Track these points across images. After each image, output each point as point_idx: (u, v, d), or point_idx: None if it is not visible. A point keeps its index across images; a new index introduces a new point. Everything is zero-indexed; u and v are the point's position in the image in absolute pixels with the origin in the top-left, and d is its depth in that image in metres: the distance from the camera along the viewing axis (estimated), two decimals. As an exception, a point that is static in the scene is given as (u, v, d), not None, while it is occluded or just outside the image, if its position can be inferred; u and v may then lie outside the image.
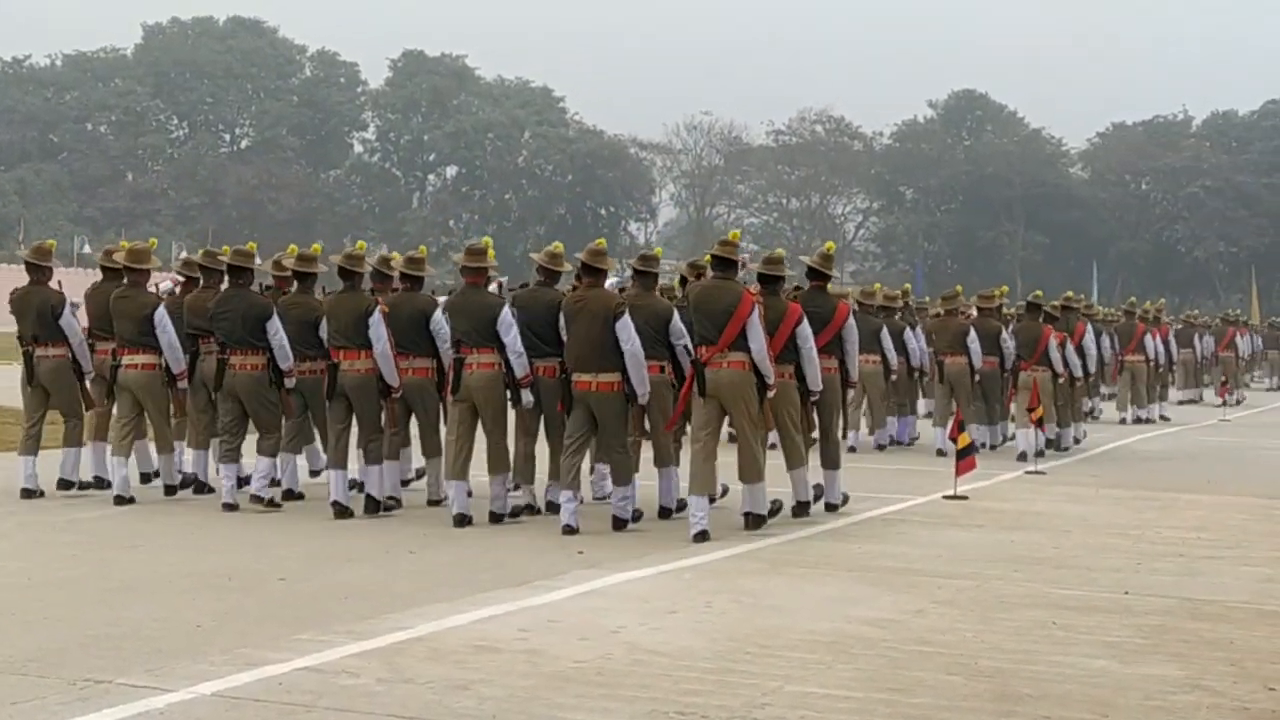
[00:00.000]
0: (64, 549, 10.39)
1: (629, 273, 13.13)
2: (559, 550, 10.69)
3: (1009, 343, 19.26)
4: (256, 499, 12.27)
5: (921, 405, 22.03)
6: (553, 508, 12.13)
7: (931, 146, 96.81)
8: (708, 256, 12.21)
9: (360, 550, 10.54)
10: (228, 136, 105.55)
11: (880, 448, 19.20)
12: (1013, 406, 19.35)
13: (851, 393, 14.29)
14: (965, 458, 14.16)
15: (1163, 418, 26.51)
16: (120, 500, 12.55)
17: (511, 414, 12.09)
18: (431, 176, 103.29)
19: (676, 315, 12.05)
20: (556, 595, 8.95)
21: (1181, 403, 30.95)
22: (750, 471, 11.60)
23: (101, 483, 13.32)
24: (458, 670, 7.09)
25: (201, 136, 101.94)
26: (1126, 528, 12.60)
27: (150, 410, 12.90)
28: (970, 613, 8.75)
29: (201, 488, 13.23)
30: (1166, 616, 8.80)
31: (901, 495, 14.30)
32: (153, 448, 13.46)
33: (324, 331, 12.53)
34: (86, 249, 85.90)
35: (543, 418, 12.26)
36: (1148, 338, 26.49)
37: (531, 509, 12.33)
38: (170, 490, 13.08)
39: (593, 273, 11.84)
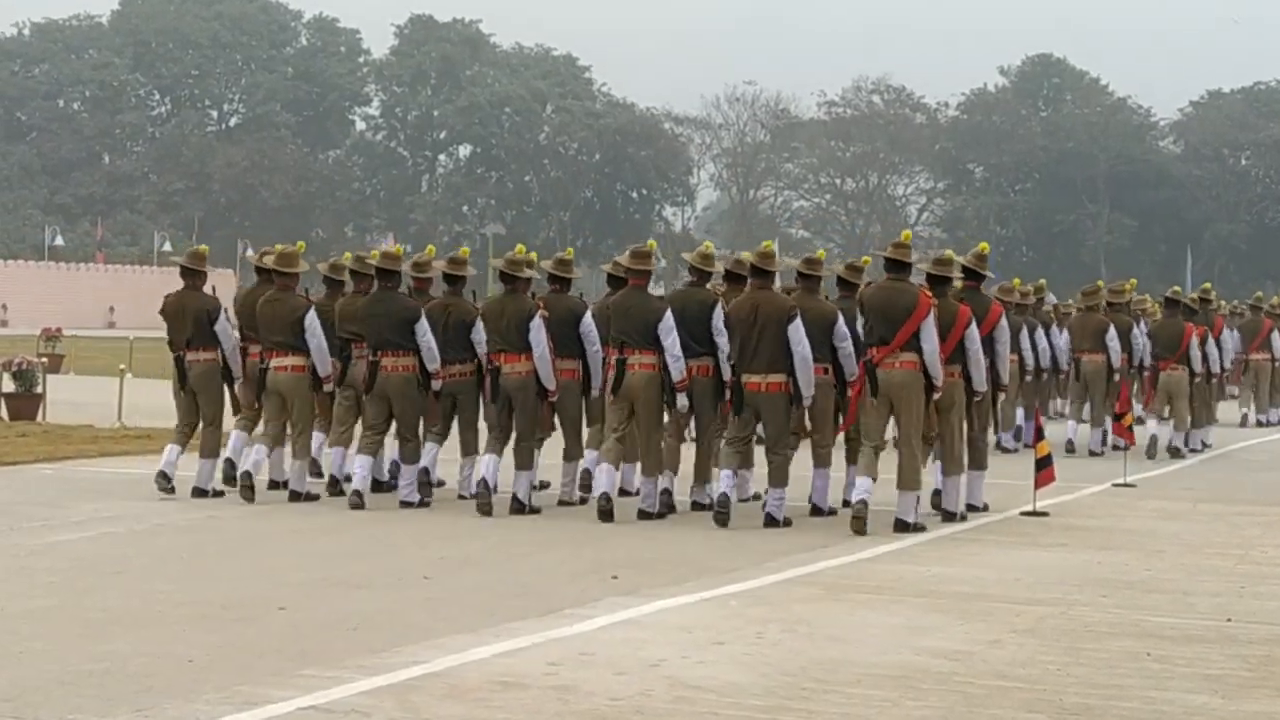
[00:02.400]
0: (41, 575, 10.48)
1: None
2: (591, 574, 10.73)
3: (1140, 339, 20.58)
4: (407, 504, 13.84)
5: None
6: (696, 506, 13.80)
7: (1003, 119, 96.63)
8: (865, 259, 15.54)
9: (371, 576, 10.60)
10: (215, 113, 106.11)
11: (1004, 450, 19.53)
12: (1144, 406, 20.94)
13: (1003, 395, 15.35)
14: (1044, 469, 14.15)
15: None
16: (247, 479, 13.95)
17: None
18: (442, 156, 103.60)
19: (841, 319, 13.60)
20: (589, 625, 8.98)
21: None
22: (908, 478, 12.88)
23: (230, 473, 14.44)
24: (480, 709, 7.12)
25: (186, 114, 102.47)
26: (1227, 547, 12.57)
27: (295, 412, 14.19)
28: (1053, 643, 8.75)
29: (336, 487, 14.47)
30: (1275, 646, 8.79)
31: (973, 512, 14.29)
32: (288, 453, 14.58)
33: (477, 335, 14.00)
34: (59, 240, 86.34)
35: (693, 418, 13.77)
36: (1275, 335, 26.73)
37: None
38: (295, 497, 14.19)
39: (762, 275, 13.37)
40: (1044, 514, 14.09)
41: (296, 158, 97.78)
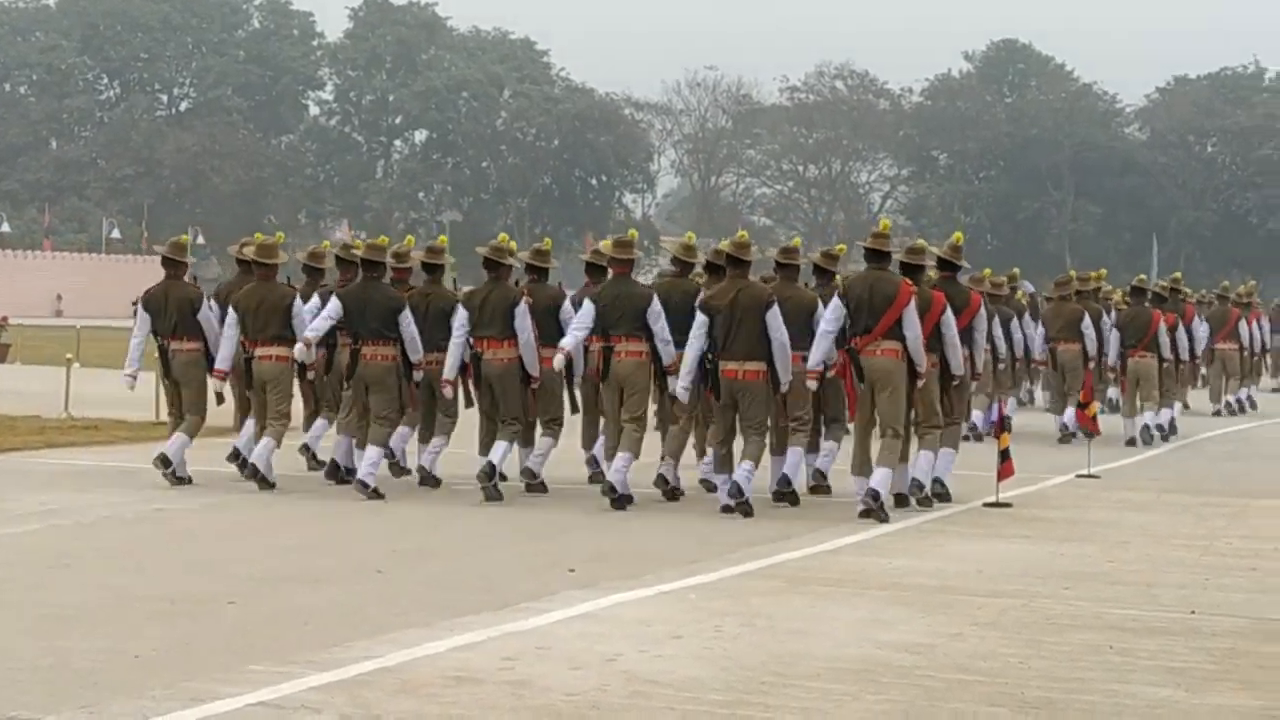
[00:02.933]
0: (-16, 569, 10.42)
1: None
2: (548, 568, 10.73)
3: (1109, 327, 21.13)
4: (364, 485, 13.99)
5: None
6: (661, 481, 14.10)
7: (968, 105, 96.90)
8: (840, 247, 15.92)
9: (323, 569, 10.58)
10: (165, 98, 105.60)
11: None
12: (1121, 393, 21.52)
13: (975, 384, 15.98)
14: (1005, 461, 14.21)
15: (1251, 402, 27.57)
16: (263, 482, 14.31)
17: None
18: (398, 142, 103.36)
19: (820, 306, 13.89)
20: (545, 619, 8.98)
21: (1276, 390, 31.45)
22: (888, 457, 13.32)
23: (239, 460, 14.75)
24: (433, 705, 7.11)
25: (135, 98, 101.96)
26: (1192, 538, 12.65)
27: (272, 399, 14.53)
28: (1015, 636, 8.79)
29: (336, 471, 14.82)
30: (1238, 638, 8.85)
31: (937, 503, 14.33)
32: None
33: (457, 323, 14.26)
34: (5, 227, 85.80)
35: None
36: (1242, 324, 27.23)
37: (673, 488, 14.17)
38: (263, 483, 14.36)
39: (739, 264, 13.68)
40: (1007, 505, 14.15)
41: (248, 143, 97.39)
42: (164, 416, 16.28)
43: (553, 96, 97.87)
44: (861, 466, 13.58)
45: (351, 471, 14.62)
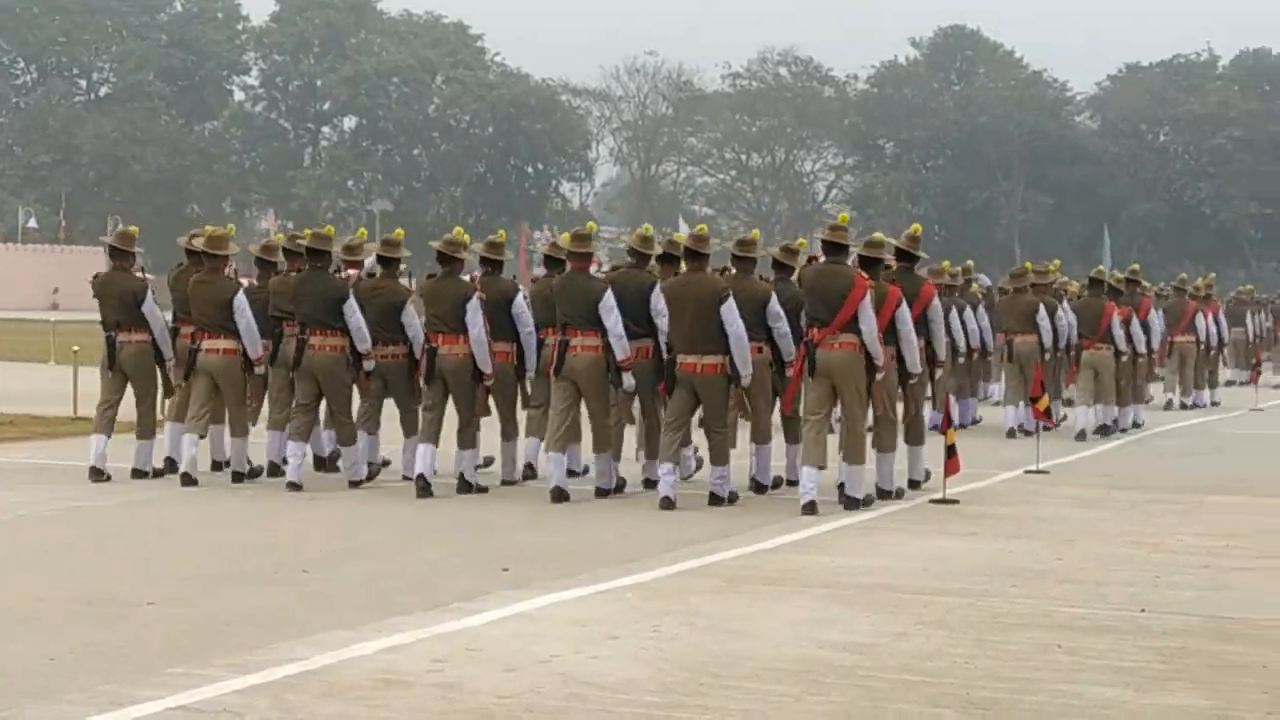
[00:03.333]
0: (-108, 571, 10.34)
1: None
2: (481, 566, 10.72)
3: (1064, 320, 21.51)
4: (355, 483, 14.56)
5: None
6: (649, 484, 14.46)
7: (915, 92, 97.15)
8: (801, 241, 16.34)
9: (248, 569, 10.54)
10: (84, 83, 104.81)
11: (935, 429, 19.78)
12: (1073, 386, 22.06)
13: (939, 372, 16.27)
14: (951, 457, 14.29)
15: (1213, 404, 27.87)
16: (187, 480, 14.52)
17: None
18: (326, 129, 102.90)
19: (775, 298, 14.25)
20: (478, 619, 8.97)
21: (1230, 383, 32.04)
22: (854, 453, 13.70)
23: (174, 465, 15.06)
24: (360, 708, 7.10)
25: (53, 83, 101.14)
26: (1142, 535, 12.73)
27: (227, 395, 14.90)
28: (961, 635, 8.83)
29: (275, 470, 15.03)
30: (1188, 637, 8.91)
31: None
32: (227, 433, 15.22)
33: (408, 317, 14.68)
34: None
35: (637, 398, 14.43)
36: (1199, 317, 27.66)
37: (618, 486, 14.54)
38: (238, 477, 14.87)
39: (696, 257, 14.09)
40: (953, 501, 14.23)
41: (171, 129, 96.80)
42: (84, 412, 16.27)
43: (487, 82, 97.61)
44: (809, 456, 13.65)
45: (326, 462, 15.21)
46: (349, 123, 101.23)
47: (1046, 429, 17.91)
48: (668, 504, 13.53)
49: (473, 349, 14.25)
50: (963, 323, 21.20)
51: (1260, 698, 7.61)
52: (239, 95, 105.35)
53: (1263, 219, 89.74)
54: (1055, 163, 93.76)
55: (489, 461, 15.41)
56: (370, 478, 14.86)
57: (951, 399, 21.06)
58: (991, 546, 12.00)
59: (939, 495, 14.36)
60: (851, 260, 14.04)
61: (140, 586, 9.83)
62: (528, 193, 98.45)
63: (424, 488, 14.07)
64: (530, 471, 15.26)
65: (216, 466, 15.52)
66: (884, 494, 14.25)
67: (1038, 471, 16.75)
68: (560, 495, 13.90)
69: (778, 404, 14.97)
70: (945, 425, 14.54)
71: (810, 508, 13.31)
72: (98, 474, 14.65)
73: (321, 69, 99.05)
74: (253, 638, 8.38)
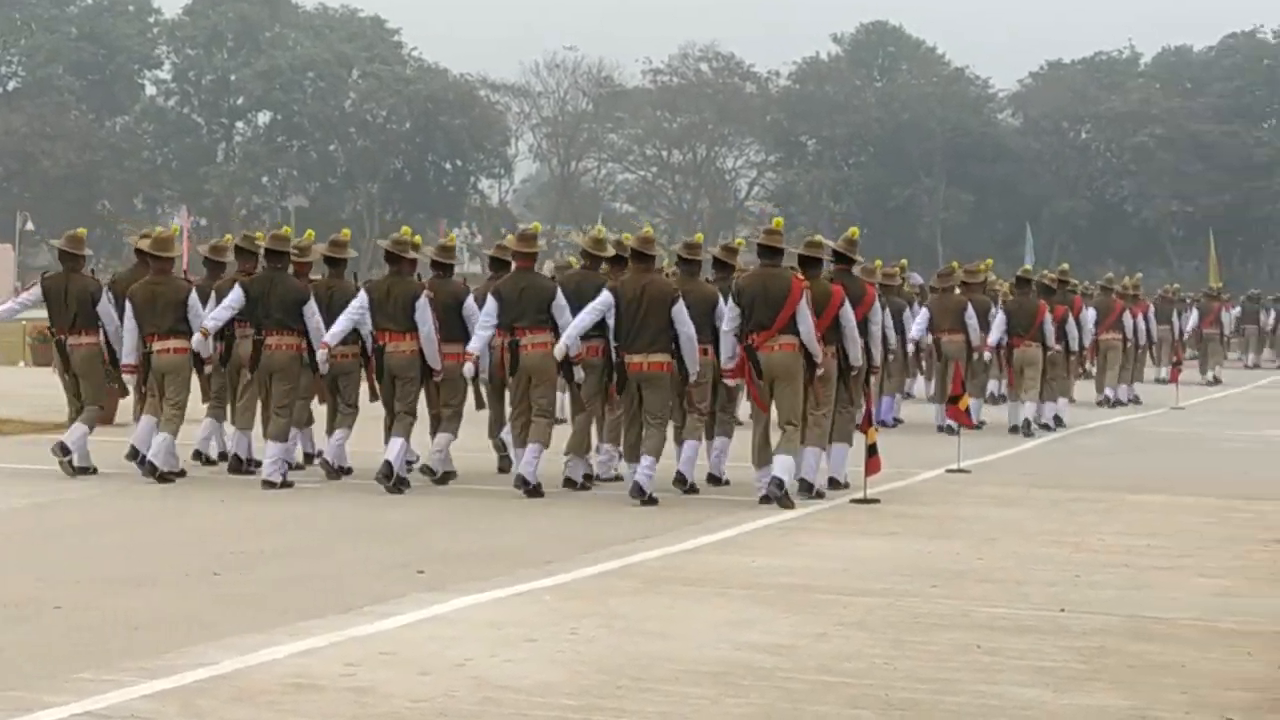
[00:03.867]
0: None
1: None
2: (396, 569, 10.69)
3: (998, 318, 22.10)
4: (269, 484, 14.52)
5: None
6: (568, 483, 14.88)
7: (837, 89, 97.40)
8: (739, 241, 17.29)
9: (158, 572, 10.46)
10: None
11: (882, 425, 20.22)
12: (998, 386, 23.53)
13: (875, 376, 16.73)
14: (872, 456, 14.36)
15: (1136, 401, 28.56)
16: (165, 477, 14.75)
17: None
18: (240, 124, 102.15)
19: (722, 301, 14.60)
20: (391, 622, 8.94)
21: (1159, 381, 32.58)
22: (790, 446, 13.99)
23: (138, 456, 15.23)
24: (270, 713, 7.06)
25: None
26: (1062, 534, 12.82)
27: (171, 392, 15.00)
28: (881, 636, 8.87)
29: (240, 466, 15.49)
30: (1108, 637, 8.98)
31: (802, 499, 14.43)
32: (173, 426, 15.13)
33: (355, 304, 14.91)
34: None
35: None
36: (1126, 315, 28.42)
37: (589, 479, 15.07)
38: (155, 472, 14.78)
39: (644, 259, 14.57)
40: (874, 501, 14.29)
41: (81, 124, 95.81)
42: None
43: (404, 77, 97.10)
44: (760, 458, 14.29)
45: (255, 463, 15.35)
46: (263, 118, 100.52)
47: (965, 429, 18.00)
48: (639, 492, 14.00)
49: (422, 346, 14.67)
50: (899, 323, 21.65)
51: (1179, 698, 7.67)
52: (151, 90, 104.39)
53: (1184, 217, 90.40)
54: (977, 160, 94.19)
55: (413, 462, 15.47)
56: (285, 484, 14.68)
57: (878, 397, 21.54)
58: (912, 546, 12.05)
59: (860, 495, 14.42)
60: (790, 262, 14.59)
61: (47, 589, 9.73)
62: (446, 189, 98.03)
63: (388, 477, 14.48)
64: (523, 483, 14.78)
65: (209, 459, 16.09)
66: (805, 486, 14.43)
67: (959, 470, 16.85)
68: (525, 484, 14.29)
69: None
70: (866, 425, 14.61)
71: (767, 500, 13.95)
72: (64, 450, 15.05)
73: (235, 63, 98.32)
74: (162, 641, 8.32)
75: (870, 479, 14.49)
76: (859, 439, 14.82)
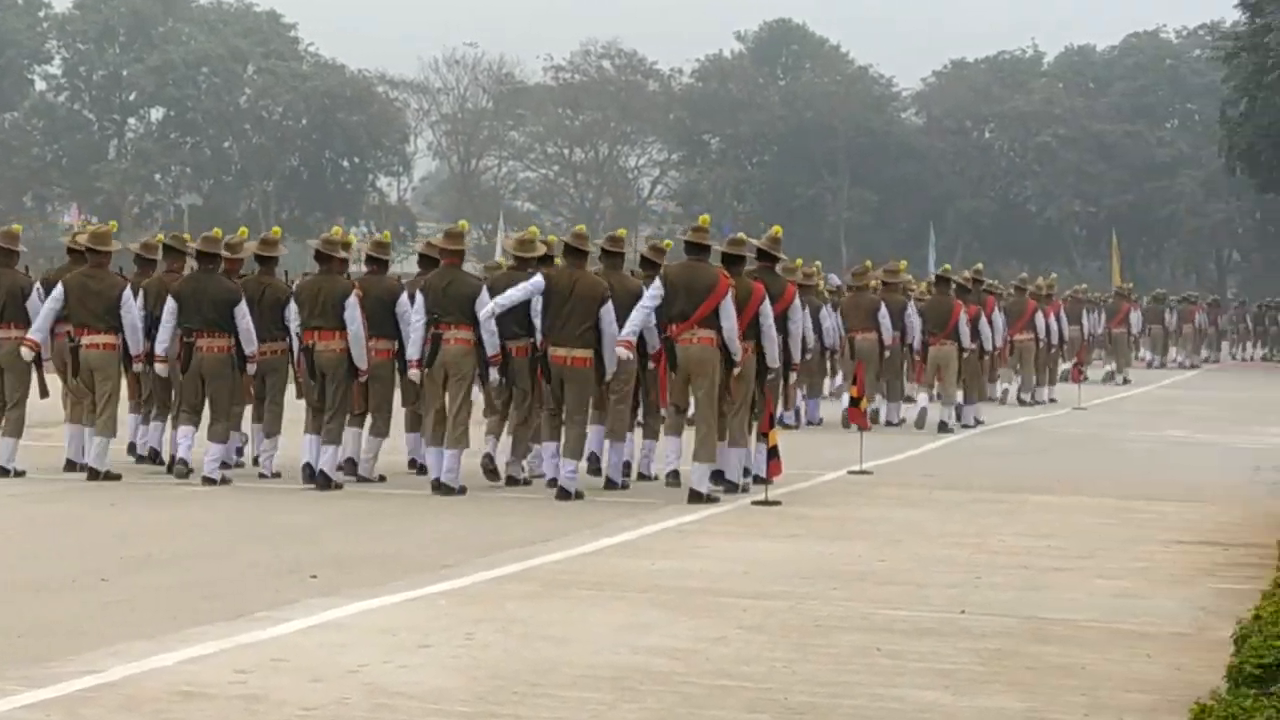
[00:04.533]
0: None
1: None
2: (289, 574, 10.62)
3: (914, 318, 23.02)
4: (209, 480, 14.85)
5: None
6: (511, 481, 15.36)
7: (740, 87, 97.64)
8: (667, 243, 17.84)
9: (43, 578, 10.34)
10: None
11: (786, 426, 20.57)
12: (915, 381, 24.11)
13: (794, 374, 17.44)
14: (774, 459, 14.40)
15: (1051, 400, 29.42)
16: (108, 475, 15.05)
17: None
18: (132, 120, 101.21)
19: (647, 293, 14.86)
20: (283, 629, 8.89)
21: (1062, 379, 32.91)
22: (704, 451, 14.42)
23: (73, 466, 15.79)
24: (160, 722, 7.00)
25: None
26: (964, 536, 12.91)
27: (101, 390, 15.21)
28: (781, 639, 8.89)
29: (155, 457, 16.15)
30: (1008, 639, 9.04)
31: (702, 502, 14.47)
32: (88, 430, 15.53)
33: (290, 313, 15.36)
34: None
35: (512, 395, 15.44)
36: (1038, 315, 29.18)
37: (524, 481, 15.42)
38: (95, 475, 15.09)
39: (577, 255, 15.03)
40: (776, 503, 14.33)
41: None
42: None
43: (300, 73, 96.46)
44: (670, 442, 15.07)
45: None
46: (156, 114, 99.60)
47: (863, 430, 18.11)
48: (565, 494, 14.41)
49: (350, 345, 14.98)
50: (816, 323, 22.10)
51: (1078, 699, 7.74)
52: (40, 85, 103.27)
53: (1087, 217, 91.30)
54: (881, 159, 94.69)
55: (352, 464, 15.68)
56: (224, 480, 15.10)
57: (799, 397, 21.99)
58: (813, 549, 12.09)
59: (761, 497, 14.45)
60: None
61: (-72, 598, 9.61)
62: (343, 187, 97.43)
63: (311, 477, 14.95)
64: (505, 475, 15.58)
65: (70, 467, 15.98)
66: (730, 486, 14.89)
67: (861, 472, 16.93)
68: (443, 488, 14.66)
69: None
70: (766, 426, 14.65)
71: (674, 475, 14.89)
72: (3, 472, 15.24)
73: (127, 58, 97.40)
74: (47, 649, 8.23)
75: (772, 481, 14.53)
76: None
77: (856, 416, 17.84)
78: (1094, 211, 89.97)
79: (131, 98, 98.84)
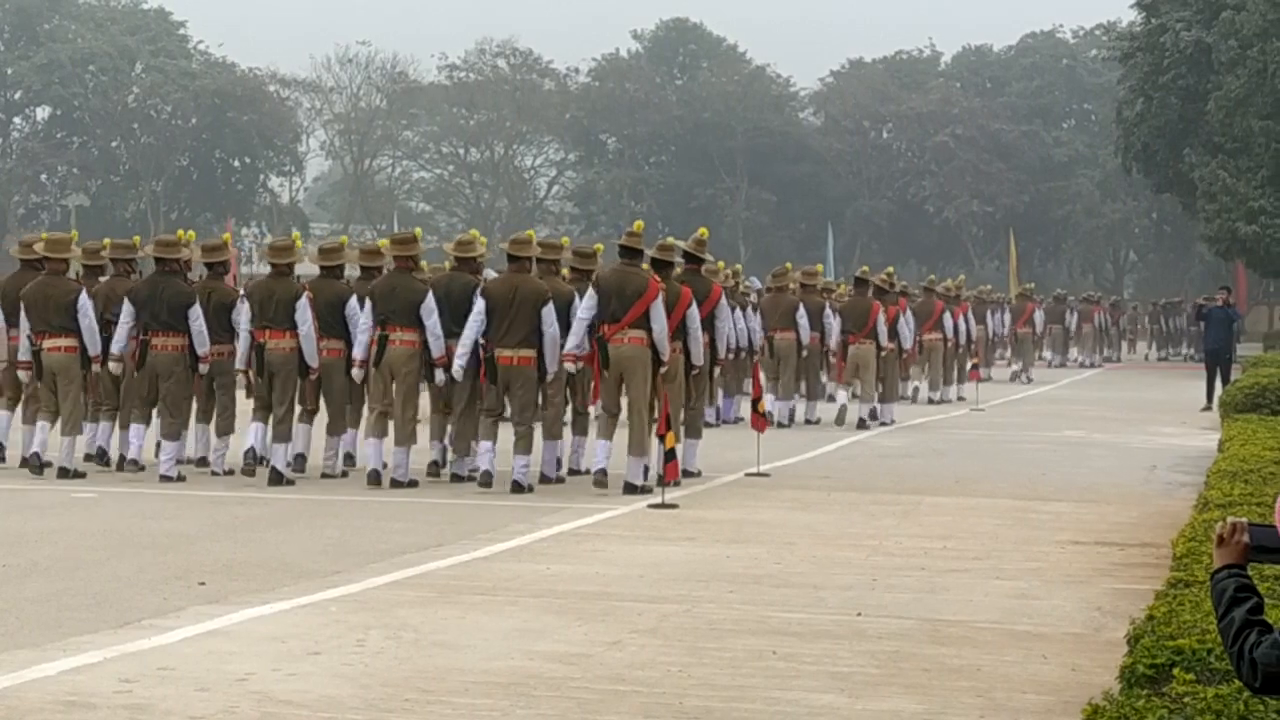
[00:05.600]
0: None
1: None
2: (175, 581, 10.53)
3: (831, 320, 24.26)
4: (166, 478, 15.60)
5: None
6: (456, 478, 16.05)
7: (637, 87, 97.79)
8: (598, 246, 18.67)
9: (-81, 588, 10.21)
10: None
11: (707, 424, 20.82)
12: (836, 379, 25.32)
13: (719, 370, 18.51)
14: (671, 461, 14.41)
15: (960, 399, 30.48)
16: (37, 461, 15.93)
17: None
18: (18, 120, 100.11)
19: (578, 298, 15.79)
20: (169, 637, 8.82)
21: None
22: (637, 444, 15.28)
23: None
24: (41, 734, 6.92)
25: None
26: (861, 538, 12.97)
27: (64, 391, 16.01)
28: (676, 643, 8.90)
29: (103, 456, 16.74)
30: (904, 641, 9.09)
31: (600, 505, 14.47)
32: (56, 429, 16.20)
33: (238, 315, 16.21)
34: None
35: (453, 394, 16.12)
36: (946, 316, 30.34)
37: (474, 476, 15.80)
38: (65, 473, 15.77)
39: (517, 260, 15.78)
40: (672, 506, 14.34)
41: None
42: None
43: (190, 72, 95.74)
44: (603, 434, 15.61)
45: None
46: (42, 113, 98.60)
47: (759, 431, 18.17)
48: (487, 479, 15.22)
49: (301, 344, 15.85)
50: (735, 322, 22.60)
51: (974, 701, 7.79)
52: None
53: (984, 217, 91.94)
54: (779, 160, 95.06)
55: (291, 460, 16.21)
56: (180, 478, 15.83)
57: (720, 396, 22.60)
58: (710, 552, 12.11)
59: (657, 500, 14.47)
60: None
61: None
62: (234, 187, 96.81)
63: (251, 469, 15.97)
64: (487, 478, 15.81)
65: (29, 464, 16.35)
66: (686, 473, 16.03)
67: (758, 474, 16.98)
68: (376, 478, 15.57)
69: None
70: (663, 429, 14.66)
71: (602, 474, 15.27)
72: None
73: (12, 56, 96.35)
74: (-75, 661, 8.12)
75: (668, 483, 14.55)
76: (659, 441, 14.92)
77: (755, 419, 17.86)
78: (991, 211, 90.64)
79: (16, 96, 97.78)
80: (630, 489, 15.13)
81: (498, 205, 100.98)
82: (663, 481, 14.61)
